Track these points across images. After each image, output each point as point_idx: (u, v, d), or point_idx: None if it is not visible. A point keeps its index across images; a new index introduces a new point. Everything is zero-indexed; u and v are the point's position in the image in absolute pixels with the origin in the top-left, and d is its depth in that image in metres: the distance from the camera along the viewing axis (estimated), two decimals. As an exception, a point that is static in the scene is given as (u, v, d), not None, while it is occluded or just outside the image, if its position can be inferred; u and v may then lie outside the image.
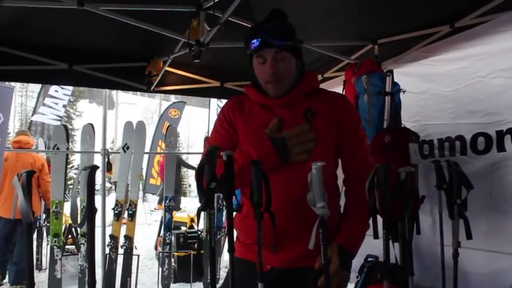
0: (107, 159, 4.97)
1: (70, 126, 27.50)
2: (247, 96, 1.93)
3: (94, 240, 1.39)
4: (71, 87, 11.89)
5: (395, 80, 3.37)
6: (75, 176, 19.20)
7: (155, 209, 13.17)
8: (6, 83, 4.51)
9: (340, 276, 1.69)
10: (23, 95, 30.62)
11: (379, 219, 2.93)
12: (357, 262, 3.54)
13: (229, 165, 1.47)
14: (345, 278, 1.74)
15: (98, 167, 1.49)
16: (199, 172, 1.46)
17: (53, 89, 11.20)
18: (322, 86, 4.60)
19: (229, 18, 3.30)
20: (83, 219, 1.37)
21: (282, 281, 1.74)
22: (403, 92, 3.27)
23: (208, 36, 3.25)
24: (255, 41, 1.74)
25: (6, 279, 5.44)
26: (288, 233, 1.69)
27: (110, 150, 5.83)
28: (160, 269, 4.88)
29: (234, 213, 1.59)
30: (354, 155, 1.88)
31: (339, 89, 3.73)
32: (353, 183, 1.84)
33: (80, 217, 1.44)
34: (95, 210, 1.43)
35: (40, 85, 11.70)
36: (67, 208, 5.24)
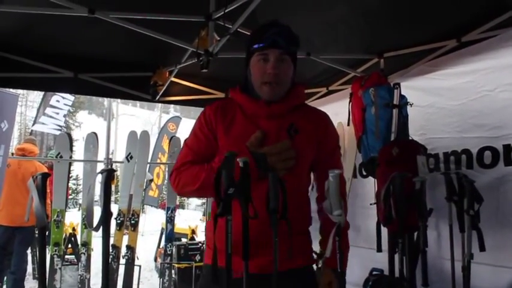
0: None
1: (69, 137, 27.47)
2: (231, 102, 1.88)
3: (109, 243, 1.37)
4: (72, 98, 11.93)
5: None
6: (74, 186, 19.14)
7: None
8: (11, 90, 4.50)
9: None
10: (23, 105, 30.62)
11: (384, 232, 2.94)
12: (361, 276, 3.53)
13: (245, 171, 1.46)
14: None
15: (115, 170, 1.48)
16: (217, 178, 1.45)
17: (54, 99, 11.23)
18: (327, 98, 4.71)
19: (238, 30, 3.32)
20: (99, 223, 1.36)
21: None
22: (410, 105, 3.28)
23: (218, 46, 3.27)
24: (263, 39, 1.73)
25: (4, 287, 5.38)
26: (265, 239, 1.63)
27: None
28: (160, 280, 4.83)
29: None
30: (340, 168, 1.90)
31: (345, 102, 3.75)
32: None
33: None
34: (111, 214, 1.42)
35: (41, 95, 11.72)
36: (68, 217, 5.24)
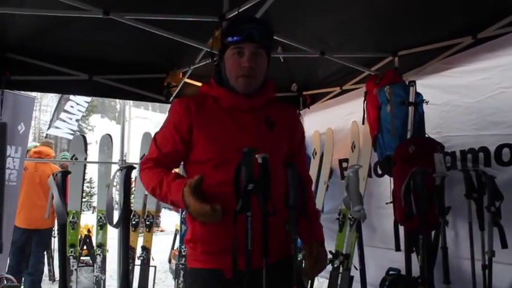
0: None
1: (82, 141, 27.74)
2: (203, 97, 1.83)
3: (129, 240, 1.38)
4: (85, 104, 12.06)
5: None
6: (87, 189, 19.31)
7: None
8: (28, 93, 4.56)
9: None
10: (37, 109, 31.00)
11: (401, 231, 2.91)
12: (377, 276, 3.49)
13: (265, 167, 1.45)
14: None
15: (135, 167, 1.48)
16: (236, 173, 1.45)
17: (69, 105, 11.37)
18: (340, 98, 4.69)
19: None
20: (119, 220, 1.36)
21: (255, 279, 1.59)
22: (426, 102, 3.25)
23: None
24: (238, 32, 1.71)
25: (21, 289, 5.43)
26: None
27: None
28: (175, 281, 4.83)
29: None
30: (303, 165, 1.96)
31: (359, 101, 3.73)
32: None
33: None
34: (131, 211, 1.42)
35: (55, 100, 11.86)
36: (84, 219, 5.28)
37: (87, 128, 30.19)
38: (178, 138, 1.76)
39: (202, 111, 1.77)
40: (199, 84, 4.69)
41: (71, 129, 11.89)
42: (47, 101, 28.14)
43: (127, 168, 1.40)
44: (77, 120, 12.52)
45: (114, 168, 5.02)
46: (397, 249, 2.89)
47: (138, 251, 4.45)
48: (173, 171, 1.80)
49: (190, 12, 3.26)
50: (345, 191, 1.42)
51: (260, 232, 1.48)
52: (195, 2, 3.20)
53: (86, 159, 4.81)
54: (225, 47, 1.76)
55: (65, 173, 1.45)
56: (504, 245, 2.41)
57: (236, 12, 3.02)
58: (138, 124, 33.18)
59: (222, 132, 1.74)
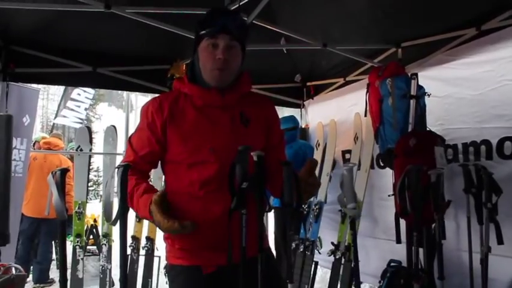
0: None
1: (90, 129, 27.93)
2: (177, 94, 1.80)
3: (126, 237, 1.41)
4: (92, 91, 12.03)
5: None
6: (95, 178, 19.45)
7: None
8: (33, 85, 4.60)
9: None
10: (44, 98, 31.15)
11: (402, 224, 2.93)
12: (379, 267, 3.52)
13: (260, 165, 1.47)
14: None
15: (131, 166, 1.50)
16: (231, 171, 1.46)
17: (76, 93, 11.31)
18: (344, 89, 4.70)
19: (254, 21, 3.32)
20: (116, 217, 1.39)
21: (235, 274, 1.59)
22: (428, 95, 3.24)
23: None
24: (213, 24, 1.67)
25: (30, 278, 5.52)
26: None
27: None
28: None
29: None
30: (283, 156, 1.90)
31: (363, 93, 3.72)
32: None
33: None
34: (128, 208, 1.45)
35: (62, 89, 11.88)
36: (89, 209, 5.34)
37: (94, 117, 30.28)
38: (154, 139, 1.73)
39: (176, 109, 1.74)
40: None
41: (79, 118, 11.90)
42: (54, 90, 28.20)
43: (124, 167, 1.42)
44: (86, 109, 12.54)
45: (119, 158, 5.07)
46: (398, 241, 2.90)
47: (143, 242, 4.50)
48: (148, 179, 1.83)
49: (192, 5, 3.27)
50: (340, 188, 1.43)
51: (239, 229, 1.48)
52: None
53: (90, 150, 4.86)
54: (199, 39, 1.71)
55: (64, 171, 1.48)
56: (500, 241, 2.43)
57: (238, 5, 3.03)
58: (145, 113, 33.07)
59: (195, 131, 1.71)
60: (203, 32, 1.68)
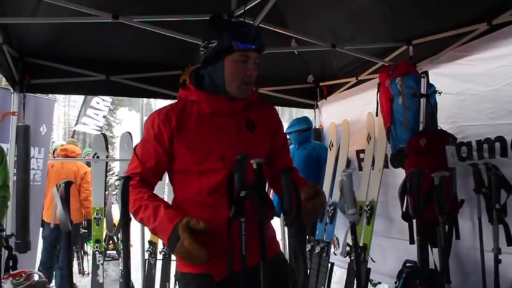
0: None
1: (110, 134, 28.31)
2: (182, 104, 1.80)
3: (129, 248, 1.43)
4: (109, 99, 12.30)
5: (430, 81, 3.30)
6: (117, 182, 19.71)
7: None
8: (49, 95, 4.70)
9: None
10: (66, 105, 31.73)
11: (415, 223, 2.89)
12: (395, 267, 3.48)
13: (259, 173, 1.48)
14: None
15: (132, 178, 1.53)
16: (229, 180, 1.48)
17: (95, 101, 11.59)
18: (356, 89, 4.67)
19: (261, 25, 3.32)
20: (118, 228, 1.42)
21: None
22: (439, 93, 3.20)
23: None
24: (248, 40, 1.70)
25: (53, 283, 5.64)
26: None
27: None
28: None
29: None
30: (288, 159, 1.98)
31: (375, 92, 3.69)
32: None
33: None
34: (129, 219, 1.47)
35: (82, 96, 12.11)
36: (113, 212, 5.42)
37: (114, 122, 30.71)
38: (161, 150, 1.74)
39: (183, 119, 1.75)
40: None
41: (98, 126, 12.14)
42: (75, 97, 28.70)
43: (125, 178, 1.45)
44: (104, 117, 12.76)
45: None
46: (411, 242, 2.87)
47: (160, 246, 4.56)
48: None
49: (199, 11, 3.29)
50: (339, 193, 1.43)
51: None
52: (202, 1, 3.23)
53: (107, 156, 4.93)
54: (228, 51, 1.70)
55: (68, 184, 1.51)
56: (510, 243, 2.38)
57: (243, 10, 3.04)
58: (164, 116, 33.28)
59: (203, 140, 1.73)
60: (240, 46, 1.68)
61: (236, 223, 1.47)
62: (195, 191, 1.69)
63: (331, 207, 4.25)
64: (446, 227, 2.79)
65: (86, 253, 6.98)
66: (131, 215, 1.61)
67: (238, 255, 1.49)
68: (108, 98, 11.59)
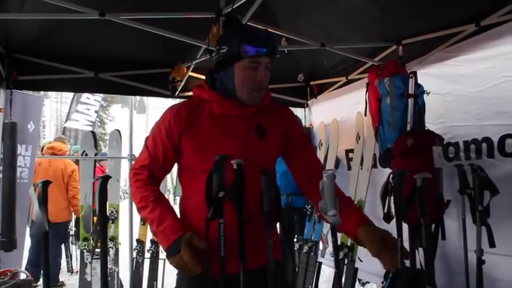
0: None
1: (103, 131, 28.18)
2: (195, 102, 1.82)
3: (107, 248, 1.42)
4: (101, 94, 12.20)
5: (419, 82, 3.30)
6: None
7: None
8: (36, 92, 4.66)
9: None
10: (58, 101, 31.50)
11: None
12: (382, 267, 3.49)
13: (239, 173, 1.47)
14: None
15: (110, 177, 1.52)
16: (208, 181, 1.47)
17: (85, 96, 11.51)
18: (346, 88, 4.66)
19: (250, 23, 3.31)
20: (95, 227, 1.40)
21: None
22: (427, 93, 3.20)
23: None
24: (258, 46, 1.67)
25: (41, 281, 5.60)
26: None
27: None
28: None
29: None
30: (312, 158, 1.93)
31: (363, 92, 3.69)
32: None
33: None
34: (107, 218, 1.46)
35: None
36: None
37: (107, 119, 30.55)
38: (170, 146, 1.77)
39: (193, 117, 1.77)
40: (204, 77, 4.71)
41: (90, 121, 12.06)
42: (67, 94, 28.53)
43: (103, 178, 1.43)
44: (96, 111, 12.68)
45: (124, 162, 5.11)
46: (398, 241, 2.87)
47: (148, 245, 4.54)
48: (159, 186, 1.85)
49: (187, 9, 3.27)
50: (321, 195, 1.42)
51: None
52: (191, -1, 3.22)
53: (96, 154, 4.89)
54: (238, 57, 1.70)
55: (46, 183, 1.49)
56: (492, 245, 2.38)
57: (231, 9, 3.02)
58: (157, 114, 33.22)
59: (210, 140, 1.74)
60: (249, 53, 1.67)
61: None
62: (198, 189, 1.67)
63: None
64: (433, 227, 2.83)
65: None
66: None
67: (233, 257, 1.51)
68: (99, 94, 11.49)
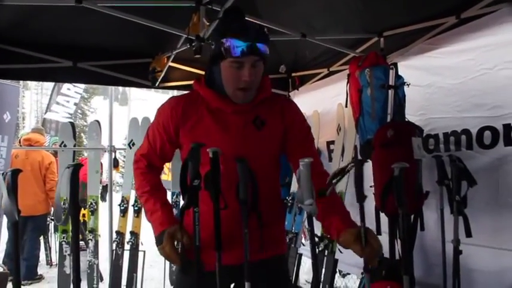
0: (114, 156, 5.04)
1: (84, 123, 27.82)
2: (196, 95, 1.81)
3: (78, 238, 1.38)
4: (82, 86, 12.00)
5: (400, 73, 3.30)
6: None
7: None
8: (13, 81, 4.54)
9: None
10: (38, 93, 30.99)
11: (382, 215, 2.90)
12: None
13: (215, 161, 1.44)
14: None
15: (82, 165, 1.48)
16: (183, 169, 1.44)
17: (65, 87, 11.29)
18: (327, 80, 4.65)
19: (229, 13, 3.26)
20: (66, 217, 1.37)
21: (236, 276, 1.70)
22: (407, 85, 3.20)
23: (208, 31, 3.22)
24: (239, 45, 1.59)
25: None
26: (238, 231, 1.60)
27: (123, 147, 5.84)
28: (168, 264, 4.87)
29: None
30: (309, 152, 1.85)
31: (344, 83, 3.68)
32: (321, 181, 1.67)
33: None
34: (79, 208, 1.42)
35: (53, 83, 11.81)
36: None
37: (89, 110, 30.18)
38: (166, 138, 1.81)
39: (190, 111, 1.77)
40: (185, 67, 4.66)
41: (68, 113, 11.86)
42: (48, 85, 28.08)
43: (74, 166, 1.39)
44: (75, 104, 12.46)
45: (104, 153, 5.05)
46: (378, 232, 2.89)
47: (127, 236, 4.49)
48: (161, 174, 1.97)
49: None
50: (297, 183, 1.41)
51: (234, 228, 1.55)
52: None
53: (74, 145, 4.81)
54: (220, 57, 1.66)
55: (15, 172, 1.45)
56: (468, 235, 2.41)
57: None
58: (139, 106, 33.09)
59: (206, 134, 1.73)
60: (231, 54, 1.61)
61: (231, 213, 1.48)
62: None
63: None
64: (412, 217, 2.85)
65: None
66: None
67: (230, 248, 1.55)
68: (80, 85, 11.28)
